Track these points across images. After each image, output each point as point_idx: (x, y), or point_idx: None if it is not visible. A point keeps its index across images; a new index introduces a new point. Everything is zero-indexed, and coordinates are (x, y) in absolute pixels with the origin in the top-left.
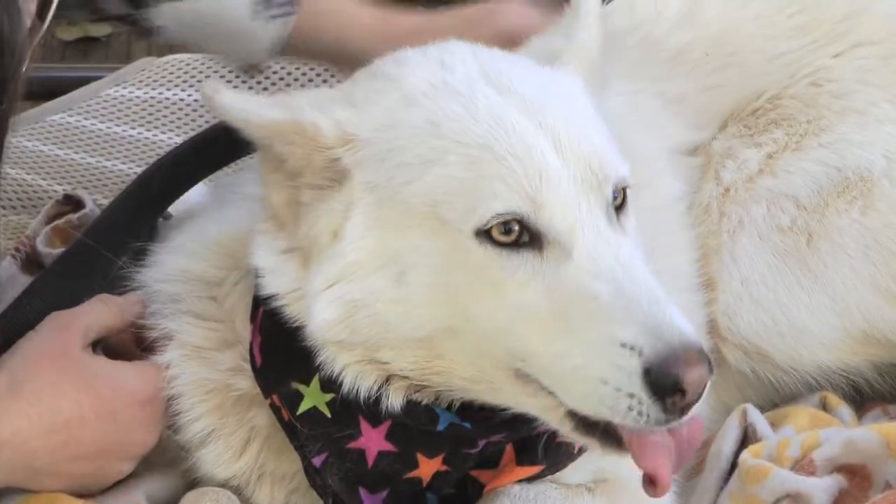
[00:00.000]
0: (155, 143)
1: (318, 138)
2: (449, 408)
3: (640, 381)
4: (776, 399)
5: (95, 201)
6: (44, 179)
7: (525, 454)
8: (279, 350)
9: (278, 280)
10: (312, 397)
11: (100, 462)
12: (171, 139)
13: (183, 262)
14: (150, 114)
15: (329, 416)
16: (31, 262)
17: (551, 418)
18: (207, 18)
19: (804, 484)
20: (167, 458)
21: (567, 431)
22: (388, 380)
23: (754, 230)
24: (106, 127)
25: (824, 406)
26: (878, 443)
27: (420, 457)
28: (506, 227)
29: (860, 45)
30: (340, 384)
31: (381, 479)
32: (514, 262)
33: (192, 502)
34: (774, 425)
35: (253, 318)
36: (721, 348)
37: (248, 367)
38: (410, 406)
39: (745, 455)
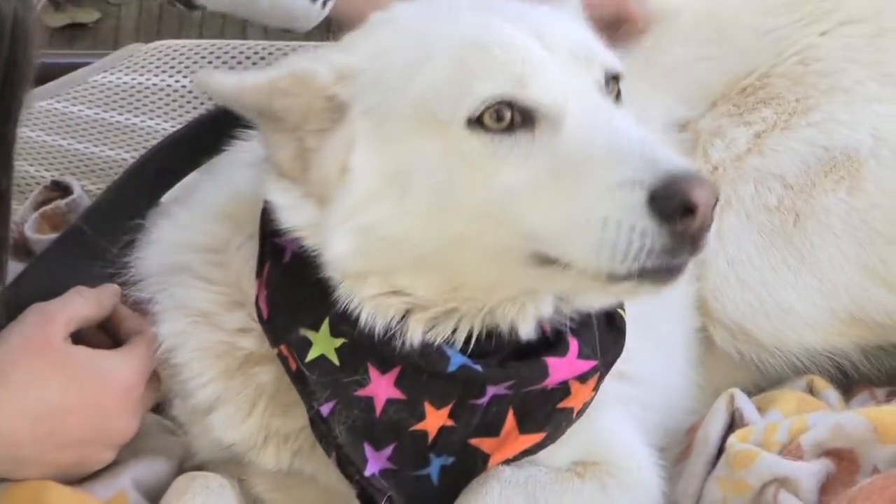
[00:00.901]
0: (143, 129)
1: (315, 81)
2: (465, 346)
3: (645, 210)
4: (763, 382)
5: (83, 187)
6: (31, 165)
7: (527, 421)
8: (287, 299)
9: (296, 215)
10: (321, 344)
11: (84, 450)
12: (160, 125)
13: (184, 233)
14: (138, 100)
15: (337, 363)
16: (19, 247)
17: (584, 289)
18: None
19: (792, 468)
20: (153, 444)
21: (604, 292)
22: (405, 314)
23: (741, 209)
24: (94, 113)
25: (811, 390)
26: (865, 427)
27: (428, 406)
28: (497, 113)
29: (846, 24)
30: (354, 324)
31: (387, 430)
32: (509, 145)
33: (182, 487)
34: (761, 409)
35: (259, 274)
36: (710, 328)
37: (255, 325)
38: (423, 347)
39: (733, 439)
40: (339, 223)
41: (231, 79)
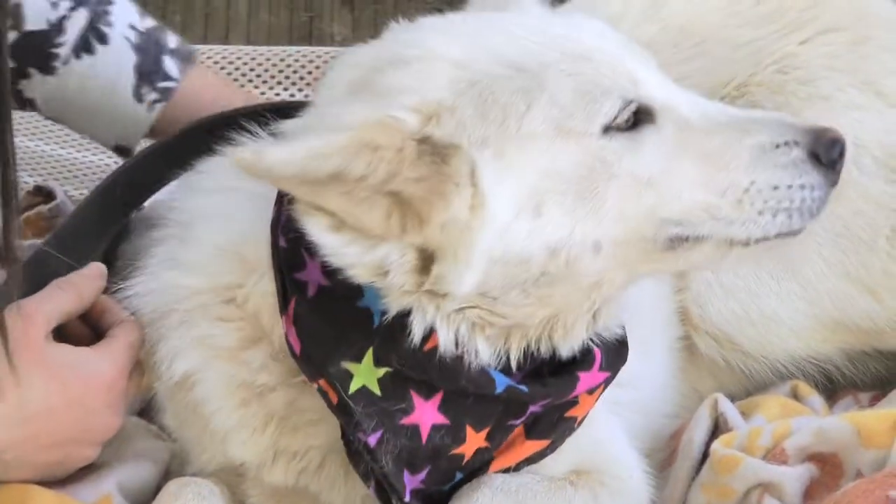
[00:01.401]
0: None
1: (405, 126)
2: (506, 371)
3: (810, 166)
4: (749, 387)
5: (66, 193)
6: None
7: (534, 429)
8: (321, 333)
9: (400, 274)
10: (363, 375)
11: (67, 449)
12: None
13: (192, 277)
14: None
15: (379, 393)
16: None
17: (716, 260)
18: (84, 96)
19: (776, 473)
20: (138, 448)
21: (733, 258)
22: (472, 328)
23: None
24: None
25: (795, 395)
26: (849, 432)
27: (469, 430)
28: (625, 115)
29: (826, 32)
30: (404, 353)
31: (428, 456)
32: (642, 141)
33: (173, 493)
34: (745, 414)
35: (284, 311)
36: (693, 336)
37: (271, 362)
38: (473, 370)
39: (717, 445)
40: (479, 259)
41: (294, 151)
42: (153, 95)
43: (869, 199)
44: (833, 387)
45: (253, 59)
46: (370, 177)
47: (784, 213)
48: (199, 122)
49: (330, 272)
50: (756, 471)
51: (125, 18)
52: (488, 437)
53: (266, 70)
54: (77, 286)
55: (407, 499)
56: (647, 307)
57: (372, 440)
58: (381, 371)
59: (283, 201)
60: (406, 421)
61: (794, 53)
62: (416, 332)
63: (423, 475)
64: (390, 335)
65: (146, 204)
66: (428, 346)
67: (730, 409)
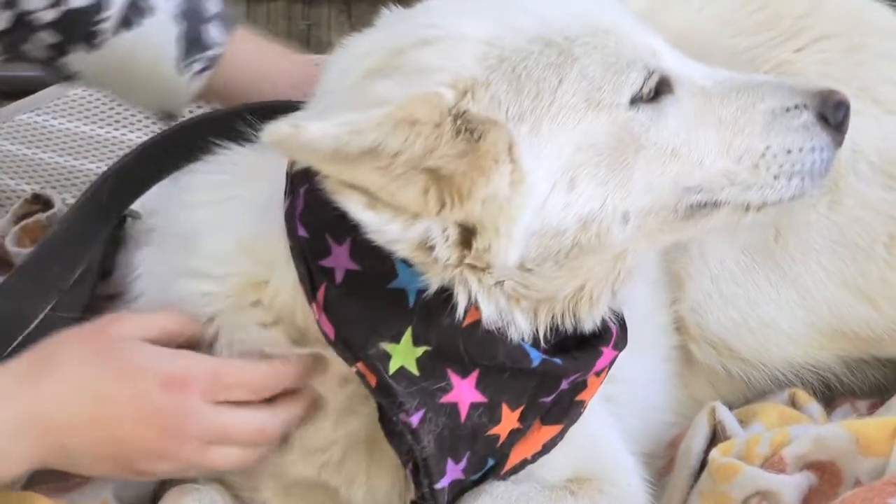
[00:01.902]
0: (123, 141)
1: (443, 101)
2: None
3: (819, 128)
4: (747, 395)
5: (64, 200)
6: (12, 179)
7: (548, 414)
8: (356, 316)
9: (443, 248)
10: (400, 355)
11: (130, 447)
12: (140, 138)
13: (208, 285)
14: (119, 112)
15: (418, 373)
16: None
17: (731, 224)
18: (127, 69)
19: (774, 481)
20: None
21: (747, 221)
22: (510, 301)
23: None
24: (74, 126)
25: (793, 403)
26: (847, 440)
27: (504, 408)
28: (649, 86)
29: (821, 40)
30: (443, 330)
31: (468, 437)
32: (664, 112)
33: (174, 500)
34: (743, 423)
35: (312, 298)
36: (689, 345)
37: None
38: (509, 345)
39: (715, 453)
40: (520, 233)
41: (332, 126)
42: (197, 66)
43: (866, 206)
44: (831, 394)
45: None
46: (407, 152)
47: (797, 177)
48: (183, 123)
49: (359, 256)
50: (754, 479)
51: None
52: (521, 418)
53: None
54: (184, 319)
55: (440, 486)
56: (641, 316)
57: (415, 420)
58: (420, 350)
59: (296, 192)
60: (445, 399)
61: (789, 61)
62: (461, 306)
63: (464, 462)
64: (429, 313)
65: (139, 209)
66: (468, 320)
67: (728, 418)
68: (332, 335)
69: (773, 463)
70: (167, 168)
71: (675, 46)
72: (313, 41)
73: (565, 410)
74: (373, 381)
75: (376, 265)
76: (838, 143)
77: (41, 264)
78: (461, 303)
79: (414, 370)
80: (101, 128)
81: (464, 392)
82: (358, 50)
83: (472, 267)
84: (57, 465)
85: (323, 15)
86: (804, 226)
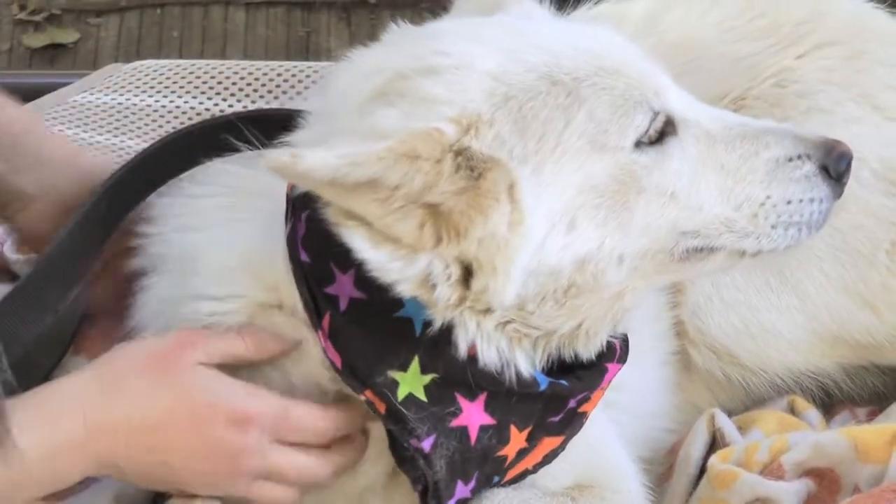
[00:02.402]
0: (123, 148)
1: (444, 139)
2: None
3: (821, 180)
4: (747, 401)
5: None
6: None
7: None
8: (362, 345)
9: (442, 288)
10: (409, 383)
11: (177, 476)
12: (139, 145)
13: (216, 305)
14: (118, 119)
15: (426, 399)
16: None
17: (729, 266)
18: None
19: (773, 488)
20: None
21: (744, 264)
22: (511, 342)
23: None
24: (74, 133)
25: (792, 410)
26: (846, 446)
27: (513, 429)
28: (654, 128)
29: (823, 46)
30: (449, 359)
31: (477, 459)
32: (668, 154)
33: None
34: (742, 429)
35: (318, 326)
36: (689, 350)
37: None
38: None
39: (714, 460)
40: (518, 273)
41: (332, 156)
42: None
43: (868, 213)
44: (830, 401)
45: (250, 73)
46: (406, 186)
47: (795, 227)
48: (179, 132)
49: (365, 285)
50: (753, 486)
51: None
52: (529, 437)
53: (263, 85)
54: (256, 337)
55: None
56: (640, 322)
57: (426, 445)
58: (428, 378)
59: (297, 216)
60: (455, 423)
61: (791, 67)
62: (461, 346)
63: (472, 483)
64: (435, 343)
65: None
66: (471, 352)
67: (727, 424)
68: (338, 363)
69: (771, 470)
70: (166, 177)
71: (675, 54)
72: (312, 48)
73: (568, 422)
74: (382, 408)
75: (383, 295)
76: (838, 194)
77: (39, 285)
78: (461, 344)
79: (422, 397)
80: (100, 135)
81: (473, 415)
82: (362, 68)
83: (473, 308)
84: (101, 476)
85: (322, 21)
86: None
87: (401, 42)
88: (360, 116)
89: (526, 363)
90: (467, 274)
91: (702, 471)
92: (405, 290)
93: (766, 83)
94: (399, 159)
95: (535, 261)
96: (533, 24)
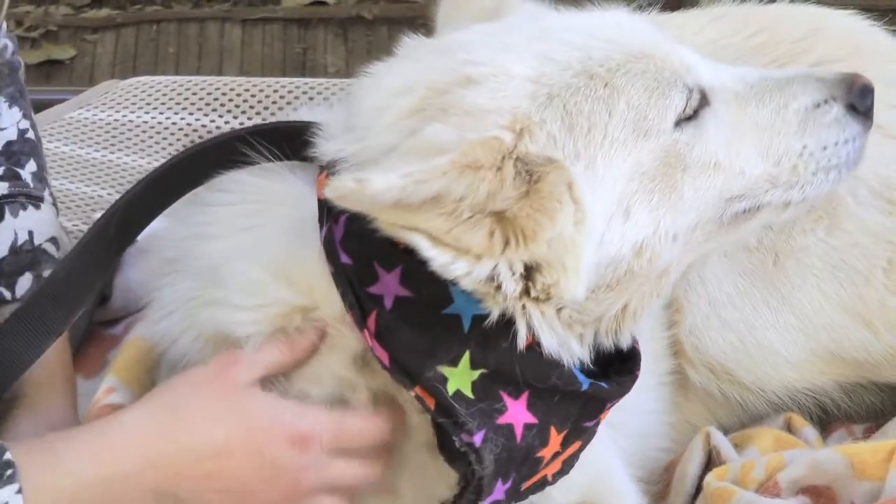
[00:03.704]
0: (119, 165)
1: (503, 146)
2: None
3: (851, 119)
4: (743, 419)
5: (61, 225)
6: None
7: (569, 435)
8: (412, 342)
9: (509, 284)
10: (456, 378)
11: (236, 498)
12: (136, 161)
13: (244, 314)
14: (114, 136)
15: (472, 396)
16: None
17: (774, 219)
18: None
19: None
20: None
21: (788, 212)
22: (570, 328)
23: (722, 251)
24: (70, 150)
25: (789, 427)
26: (842, 464)
27: (552, 430)
28: (692, 103)
29: (820, 64)
30: (501, 353)
31: (520, 459)
32: (705, 126)
33: None
34: (738, 447)
35: (364, 326)
36: (686, 369)
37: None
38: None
39: (710, 478)
40: (586, 269)
41: (393, 176)
42: None
43: (866, 231)
44: (827, 418)
45: (247, 90)
46: (471, 197)
47: (835, 170)
48: (190, 150)
49: (412, 282)
50: (749, 503)
51: None
52: (564, 441)
53: (259, 101)
54: (286, 340)
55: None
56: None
57: (478, 439)
58: (476, 373)
59: (334, 219)
60: (502, 420)
61: None
62: (521, 334)
63: (509, 483)
64: (486, 337)
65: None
66: (528, 342)
67: (723, 442)
68: (386, 361)
69: (768, 487)
70: (177, 194)
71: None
72: (309, 64)
73: (584, 429)
74: (432, 403)
75: (431, 291)
76: (867, 128)
77: (43, 306)
78: (521, 331)
79: (468, 393)
80: (96, 151)
81: (517, 413)
82: (391, 84)
83: (534, 299)
84: None
85: (319, 38)
86: (803, 250)
87: (424, 56)
88: (401, 134)
89: (579, 349)
90: (532, 270)
91: (698, 489)
92: (468, 284)
93: None
94: (463, 171)
95: (598, 254)
96: (551, 22)
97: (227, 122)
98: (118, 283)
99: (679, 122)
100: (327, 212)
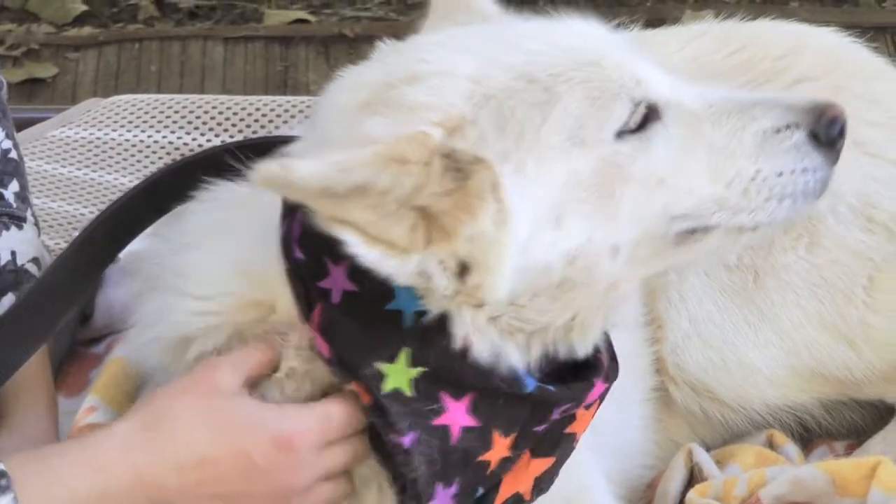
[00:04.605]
0: (101, 184)
1: (431, 140)
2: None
3: (811, 148)
4: (725, 436)
5: (42, 243)
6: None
7: (538, 448)
8: (351, 336)
9: (439, 280)
10: (395, 376)
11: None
12: (118, 180)
13: (202, 305)
14: (97, 154)
15: (411, 394)
16: None
17: (726, 247)
18: None
19: None
20: None
21: (742, 242)
22: (505, 338)
23: (701, 268)
24: (52, 168)
25: (770, 444)
26: (824, 480)
27: (496, 435)
28: (635, 117)
29: (801, 82)
30: (441, 351)
31: (458, 463)
32: (652, 140)
33: None
34: (720, 464)
35: (308, 319)
36: (669, 387)
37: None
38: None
39: (692, 494)
40: (508, 270)
41: (320, 163)
42: None
43: (846, 249)
44: (809, 436)
45: (229, 108)
46: (395, 190)
47: (789, 199)
48: (179, 162)
49: (357, 276)
50: None
51: None
52: (513, 446)
53: (242, 119)
54: (269, 342)
55: None
56: (621, 359)
57: (407, 441)
58: (415, 372)
59: (292, 217)
60: (438, 422)
61: None
62: (457, 336)
63: (453, 488)
64: (426, 334)
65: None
66: (465, 344)
67: (705, 459)
68: (327, 354)
69: None
70: (164, 207)
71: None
72: (291, 82)
73: (556, 443)
74: (367, 400)
75: (374, 286)
76: (832, 160)
77: (24, 317)
78: (457, 333)
79: (407, 391)
80: (79, 170)
81: (457, 415)
82: (350, 82)
83: (467, 301)
84: None
85: (300, 56)
86: (783, 268)
87: (388, 56)
88: (347, 126)
89: (518, 357)
90: (464, 268)
91: None
92: (402, 282)
93: None
94: (388, 163)
95: (524, 258)
96: (513, 27)
97: (209, 140)
98: (100, 302)
99: (622, 134)
100: (288, 210)
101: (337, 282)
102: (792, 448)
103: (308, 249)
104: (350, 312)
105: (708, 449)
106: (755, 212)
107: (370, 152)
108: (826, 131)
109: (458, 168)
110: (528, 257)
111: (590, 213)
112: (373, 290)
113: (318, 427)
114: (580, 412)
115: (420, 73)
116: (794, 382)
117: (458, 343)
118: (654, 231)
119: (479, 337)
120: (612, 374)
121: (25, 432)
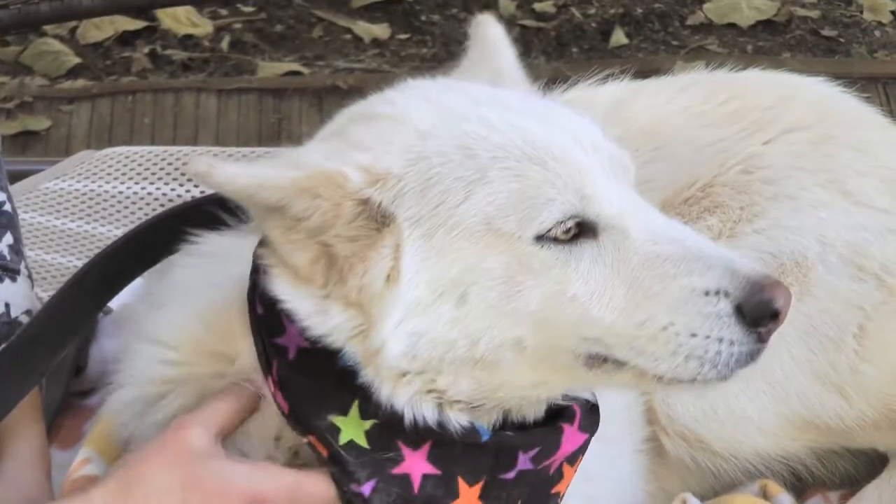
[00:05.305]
0: (95, 235)
1: (347, 183)
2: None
3: (734, 321)
4: (717, 487)
5: (36, 295)
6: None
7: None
8: (306, 391)
9: (326, 321)
10: (350, 428)
11: None
12: (111, 232)
13: (169, 354)
14: (90, 206)
15: (367, 446)
16: None
17: (640, 387)
18: None
19: None
20: None
21: (661, 390)
22: (441, 406)
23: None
24: (46, 220)
25: (764, 494)
26: None
27: (461, 483)
28: (564, 227)
29: (790, 131)
30: (387, 409)
31: None
32: (577, 255)
33: None
34: None
35: (269, 373)
36: (660, 437)
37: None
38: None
39: None
40: (393, 329)
41: (244, 172)
42: None
43: (836, 298)
44: (802, 486)
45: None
46: (304, 221)
47: (696, 361)
48: (174, 208)
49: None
50: None
51: None
52: (483, 495)
53: None
54: (236, 392)
55: None
56: (613, 411)
57: (366, 489)
58: (368, 423)
59: (259, 271)
60: (397, 471)
61: (758, 153)
62: (383, 401)
63: None
64: (369, 391)
65: (114, 305)
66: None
67: None
68: (286, 409)
69: None
70: (156, 255)
71: (643, 141)
72: (284, 133)
73: (545, 502)
74: (324, 452)
75: (325, 345)
76: (754, 340)
77: (23, 349)
78: (383, 399)
79: (363, 443)
80: (72, 222)
81: (415, 463)
82: (343, 113)
83: (366, 352)
84: None
85: (294, 108)
86: None
87: (384, 91)
88: (302, 149)
89: (461, 420)
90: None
91: None
92: (334, 341)
93: (733, 170)
94: (301, 193)
95: (420, 325)
96: (499, 94)
97: (202, 192)
98: (94, 353)
99: (542, 239)
100: (257, 265)
101: (293, 338)
102: (786, 498)
103: (267, 305)
104: (304, 368)
105: (701, 499)
106: (658, 360)
107: (287, 177)
108: (753, 309)
109: (372, 217)
110: (427, 326)
111: (494, 302)
112: (324, 347)
113: (287, 491)
114: (566, 468)
115: (379, 113)
116: (785, 431)
117: (385, 403)
118: (564, 343)
119: (409, 407)
120: (590, 423)
121: (18, 487)
